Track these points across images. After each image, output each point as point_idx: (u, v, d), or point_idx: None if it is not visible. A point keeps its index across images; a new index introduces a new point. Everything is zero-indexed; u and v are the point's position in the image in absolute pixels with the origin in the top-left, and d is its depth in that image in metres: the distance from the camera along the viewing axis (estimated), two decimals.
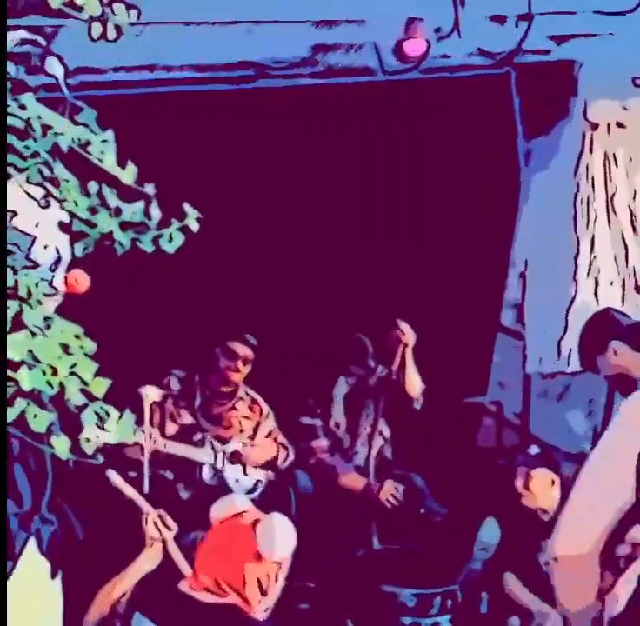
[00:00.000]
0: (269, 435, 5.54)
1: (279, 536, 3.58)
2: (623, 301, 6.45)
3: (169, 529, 3.63)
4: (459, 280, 6.57)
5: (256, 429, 5.47)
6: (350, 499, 5.66)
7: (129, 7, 2.47)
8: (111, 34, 2.49)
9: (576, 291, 6.40)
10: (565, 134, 6.33)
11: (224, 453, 5.29)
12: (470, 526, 5.65)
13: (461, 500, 5.81)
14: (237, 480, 5.32)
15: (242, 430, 5.42)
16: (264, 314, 6.05)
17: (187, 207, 2.16)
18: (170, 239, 2.08)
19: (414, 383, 5.81)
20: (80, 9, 2.36)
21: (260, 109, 5.46)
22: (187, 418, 5.25)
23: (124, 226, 2.03)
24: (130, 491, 3.69)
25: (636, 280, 6.41)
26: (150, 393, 4.72)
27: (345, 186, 6.25)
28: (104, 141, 1.99)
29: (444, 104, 6.05)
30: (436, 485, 5.89)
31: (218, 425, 5.37)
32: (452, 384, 6.37)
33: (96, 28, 2.46)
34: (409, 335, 5.71)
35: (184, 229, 2.12)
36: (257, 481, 5.40)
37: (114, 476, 3.64)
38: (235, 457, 5.33)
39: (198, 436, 5.28)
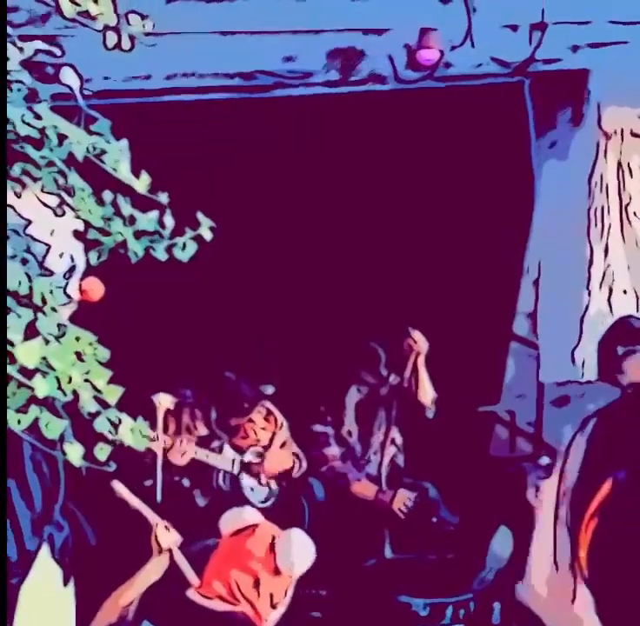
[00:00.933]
0: (283, 445, 5.55)
1: (299, 552, 3.60)
2: (637, 309, 6.45)
3: (172, 539, 3.64)
4: (472, 288, 6.56)
5: (271, 439, 5.48)
6: (363, 507, 5.65)
7: (143, 17, 2.49)
8: (126, 44, 2.50)
9: (589, 300, 6.40)
10: (579, 143, 6.33)
11: (242, 461, 5.30)
12: (482, 535, 5.63)
13: (473, 509, 5.79)
14: (253, 489, 5.33)
15: (258, 441, 5.43)
16: (277, 322, 6.06)
17: (200, 216, 2.17)
18: (184, 248, 2.09)
19: (426, 392, 5.81)
20: (94, 18, 2.38)
21: (275, 117, 5.48)
22: (203, 430, 5.27)
23: (138, 235, 2.04)
24: (135, 502, 3.70)
25: None
26: (163, 400, 4.73)
27: (359, 195, 6.27)
28: (119, 150, 2.00)
29: (458, 113, 6.06)
30: (449, 494, 5.88)
31: (235, 435, 5.39)
32: (465, 393, 6.37)
33: (111, 38, 2.49)
34: (421, 343, 5.71)
35: (198, 238, 2.13)
36: (271, 490, 5.40)
37: (119, 487, 3.65)
38: (251, 467, 5.35)
39: (216, 444, 5.31)
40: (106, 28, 2.45)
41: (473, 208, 6.48)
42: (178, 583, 3.57)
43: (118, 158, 2.01)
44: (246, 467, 5.33)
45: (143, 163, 2.17)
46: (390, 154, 6.18)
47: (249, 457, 5.37)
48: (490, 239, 6.50)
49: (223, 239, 2.27)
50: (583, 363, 6.34)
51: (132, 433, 2.15)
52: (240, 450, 5.36)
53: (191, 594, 3.50)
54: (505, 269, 6.59)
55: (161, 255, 2.07)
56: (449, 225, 6.47)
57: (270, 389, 5.48)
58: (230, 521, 3.63)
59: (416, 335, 5.71)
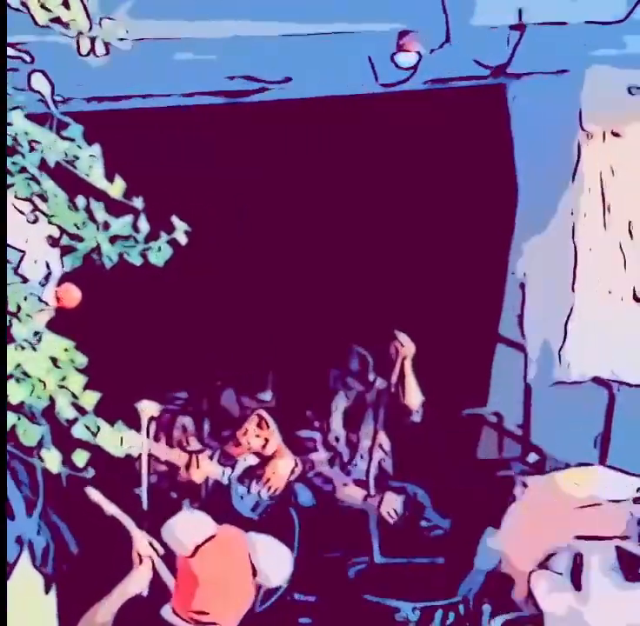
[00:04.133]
0: (276, 450, 5.53)
1: (278, 564, 3.58)
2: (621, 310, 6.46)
3: (156, 551, 3.61)
4: (458, 291, 6.57)
5: (264, 446, 5.46)
6: (351, 512, 5.64)
7: (117, 23, 2.48)
8: (100, 50, 2.50)
9: (574, 301, 6.40)
10: (561, 144, 6.34)
11: (232, 469, 5.28)
12: (471, 539, 5.63)
13: (462, 512, 5.79)
14: (242, 497, 5.31)
15: (249, 448, 5.41)
16: (261, 327, 6.04)
17: (175, 220, 2.16)
18: (159, 252, 2.08)
19: (413, 395, 5.79)
20: (67, 25, 2.37)
21: (252, 122, 5.47)
22: (195, 445, 5.24)
23: (112, 240, 2.03)
24: (112, 509, 3.67)
25: (634, 289, 6.41)
26: (147, 408, 4.70)
27: (339, 198, 6.25)
28: (91, 155, 2.00)
29: (440, 115, 6.06)
30: (437, 497, 5.87)
31: (227, 444, 5.38)
32: (452, 396, 6.36)
33: (85, 44, 2.48)
34: (408, 346, 5.69)
35: (173, 242, 2.12)
36: (261, 498, 5.38)
37: (94, 494, 3.62)
38: (243, 476, 5.33)
39: (208, 452, 5.29)
40: (79, 34, 2.44)
41: (457, 211, 6.48)
42: (153, 602, 3.54)
43: (91, 164, 2.00)
44: (239, 475, 5.31)
45: (117, 167, 2.16)
46: (371, 157, 6.18)
47: (242, 465, 5.34)
48: (475, 242, 6.51)
49: (200, 243, 2.26)
50: (570, 364, 6.35)
51: (111, 439, 2.13)
52: (232, 458, 5.34)
53: (165, 613, 3.46)
54: (491, 272, 6.60)
55: (135, 259, 2.06)
56: (433, 228, 6.48)
57: (267, 396, 5.44)
58: (184, 533, 3.57)
59: (403, 338, 5.69)
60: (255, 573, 3.52)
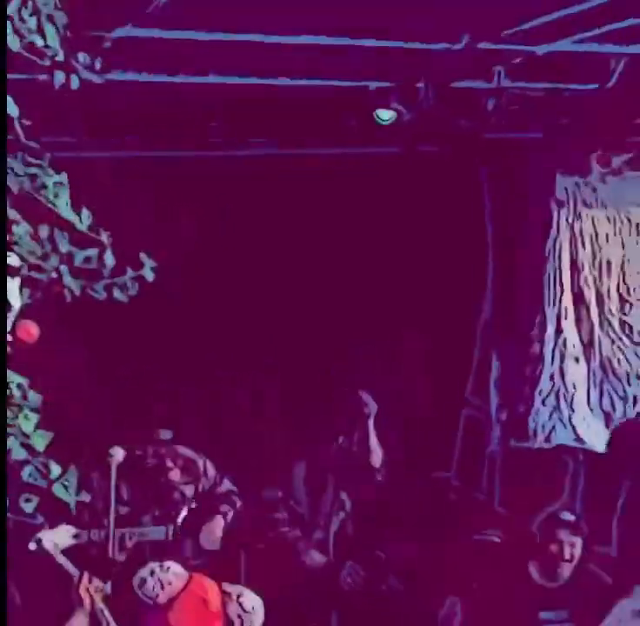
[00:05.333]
0: (213, 486, 5.43)
1: (253, 614, 3.52)
2: (588, 377, 6.45)
3: (97, 590, 3.52)
4: (426, 355, 6.53)
5: (196, 489, 5.37)
6: (310, 577, 5.53)
7: (93, 55, 2.44)
8: (75, 84, 2.45)
9: (542, 366, 6.39)
10: (533, 211, 6.39)
11: (175, 526, 5.17)
12: (431, 605, 5.51)
13: (423, 577, 5.68)
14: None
15: (184, 499, 5.32)
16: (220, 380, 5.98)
17: (143, 256, 2.10)
18: (124, 288, 2.01)
19: (375, 454, 5.73)
20: (42, 54, 2.32)
21: (228, 171, 5.43)
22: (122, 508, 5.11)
23: (75, 272, 1.96)
24: (60, 558, 3.60)
25: (601, 356, 6.42)
26: (117, 454, 4.59)
27: (307, 240, 6.16)
28: (58, 183, 1.93)
29: (413, 178, 6.09)
30: (399, 561, 5.77)
31: (160, 503, 5.28)
32: (418, 459, 6.30)
33: (59, 77, 2.43)
34: (370, 405, 5.65)
35: (139, 279, 2.05)
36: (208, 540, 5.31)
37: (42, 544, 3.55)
38: (187, 530, 5.24)
39: (147, 518, 5.20)
40: (54, 65, 2.40)
41: (428, 275, 6.47)
42: None
43: (58, 192, 1.93)
44: (179, 532, 5.21)
45: (84, 200, 2.10)
46: (335, 207, 6.13)
47: (180, 520, 5.25)
48: (445, 306, 6.48)
49: (166, 281, 2.19)
50: (536, 430, 6.32)
51: (60, 485, 2.03)
52: (171, 516, 5.26)
53: None
54: (459, 337, 6.58)
55: (99, 294, 1.99)
56: (403, 288, 6.45)
57: (168, 434, 5.31)
58: (157, 585, 3.49)
59: (365, 397, 5.66)
60: (229, 622, 3.47)
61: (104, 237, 2.05)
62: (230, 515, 5.42)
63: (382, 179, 6.03)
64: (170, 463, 5.34)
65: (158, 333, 5.87)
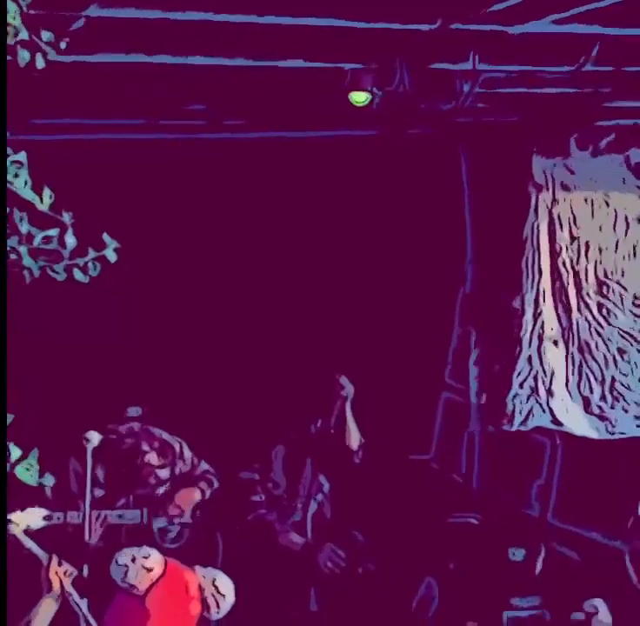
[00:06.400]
0: (190, 469, 5.42)
1: (227, 596, 3.54)
2: (566, 360, 6.47)
3: (67, 574, 3.51)
4: (405, 337, 6.52)
5: (173, 472, 5.36)
6: (288, 558, 5.54)
7: (58, 34, 2.40)
8: (40, 63, 2.42)
9: (520, 349, 6.40)
10: (512, 195, 6.38)
11: (149, 507, 5.17)
12: (408, 586, 5.54)
13: (400, 559, 5.70)
14: (162, 530, 5.21)
15: (158, 481, 5.31)
16: (196, 365, 5.96)
17: (106, 237, 2.08)
18: (85, 269, 1.99)
19: (353, 436, 5.74)
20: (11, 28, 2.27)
21: (199, 153, 5.38)
22: (98, 491, 5.09)
23: (34, 253, 1.94)
24: (28, 542, 3.58)
25: (579, 339, 6.43)
26: (93, 438, 4.57)
27: (279, 223, 6.10)
28: (17, 162, 1.90)
29: (391, 161, 6.06)
30: (376, 543, 5.78)
31: (135, 486, 5.26)
32: (396, 441, 6.30)
33: (23, 55, 2.39)
34: (347, 388, 5.65)
35: (101, 259, 2.04)
36: (182, 529, 5.29)
37: (13, 528, 3.54)
38: (160, 508, 5.23)
39: (122, 501, 5.19)
40: (18, 43, 2.36)
41: (407, 255, 6.46)
42: None
43: (17, 172, 1.91)
44: (155, 509, 5.21)
45: (46, 180, 2.08)
46: (315, 199, 6.09)
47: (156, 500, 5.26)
48: (425, 287, 6.47)
49: (133, 261, 2.17)
50: (513, 412, 6.34)
51: (22, 468, 2.02)
52: (147, 499, 5.25)
53: None
54: (438, 319, 6.58)
55: (59, 275, 1.97)
56: (382, 269, 6.44)
57: (136, 411, 5.30)
58: (136, 573, 3.48)
59: (343, 380, 5.65)
60: (205, 607, 3.48)
61: (67, 218, 2.03)
62: (208, 492, 5.42)
63: (358, 162, 6.01)
64: (145, 446, 5.34)
65: (132, 315, 5.84)
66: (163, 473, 5.33)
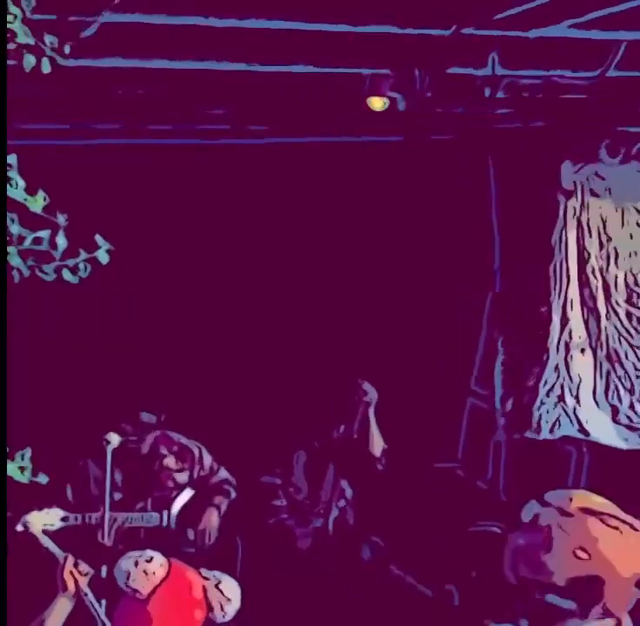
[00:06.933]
0: (209, 474, 5.43)
1: (231, 599, 3.54)
2: (594, 369, 6.40)
3: (83, 574, 3.52)
4: (430, 343, 6.49)
5: (191, 476, 5.37)
6: (309, 564, 5.54)
7: (61, 38, 2.42)
8: (46, 68, 2.44)
9: (547, 357, 6.35)
10: (540, 201, 6.34)
11: (168, 513, 5.19)
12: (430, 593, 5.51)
13: (423, 565, 5.68)
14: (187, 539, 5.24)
15: (176, 485, 5.32)
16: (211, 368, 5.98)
17: (99, 238, 2.10)
18: (75, 269, 2.01)
19: (376, 443, 5.72)
20: (12, 34, 2.29)
21: (210, 159, 5.39)
22: (116, 495, 5.11)
23: (24, 254, 1.96)
24: (45, 541, 3.61)
25: (607, 347, 6.37)
26: (113, 439, 4.61)
27: (303, 238, 6.11)
28: (7, 164, 1.93)
29: (418, 166, 6.05)
30: (398, 550, 5.76)
31: (153, 489, 5.28)
32: (421, 448, 6.28)
33: (29, 60, 2.42)
34: (371, 393, 5.64)
35: (91, 261, 2.05)
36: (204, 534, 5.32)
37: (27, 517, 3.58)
38: (181, 519, 5.25)
39: (140, 504, 5.22)
40: (22, 47, 2.38)
41: (432, 261, 6.43)
42: None
43: (14, 175, 1.93)
44: (177, 515, 5.23)
45: (42, 182, 2.10)
46: (341, 206, 6.08)
47: (178, 504, 5.26)
48: (451, 296, 6.45)
49: (125, 264, 2.19)
50: (540, 420, 6.28)
51: (15, 467, 2.04)
52: (166, 501, 5.27)
53: None
54: (465, 325, 6.55)
55: (49, 276, 1.99)
56: (410, 279, 6.42)
57: (153, 418, 5.32)
58: (139, 576, 3.50)
59: (366, 386, 5.64)
60: (209, 609, 3.49)
61: (61, 220, 2.05)
62: (224, 506, 5.42)
63: (385, 168, 6.00)
64: (164, 450, 5.36)
65: (150, 318, 5.87)
66: (182, 477, 5.35)
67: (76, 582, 3.50)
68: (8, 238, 1.94)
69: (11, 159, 1.95)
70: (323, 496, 5.75)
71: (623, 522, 2.14)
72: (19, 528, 3.74)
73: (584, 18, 3.86)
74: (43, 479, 2.19)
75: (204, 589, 3.49)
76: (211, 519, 5.33)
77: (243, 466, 5.57)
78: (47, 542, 3.68)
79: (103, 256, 2.06)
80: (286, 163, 5.50)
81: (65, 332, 5.57)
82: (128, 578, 3.48)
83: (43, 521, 3.82)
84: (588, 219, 6.37)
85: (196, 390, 5.78)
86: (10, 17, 2.18)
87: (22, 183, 1.99)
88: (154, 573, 3.48)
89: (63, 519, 4.03)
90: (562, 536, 2.18)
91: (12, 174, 1.94)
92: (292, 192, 5.77)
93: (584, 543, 2.08)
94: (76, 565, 3.53)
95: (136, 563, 3.51)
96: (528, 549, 2.22)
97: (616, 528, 2.05)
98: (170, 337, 5.92)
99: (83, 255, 2.03)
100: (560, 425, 6.34)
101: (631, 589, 2.06)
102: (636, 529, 2.08)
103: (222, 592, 3.51)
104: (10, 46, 2.37)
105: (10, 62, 2.41)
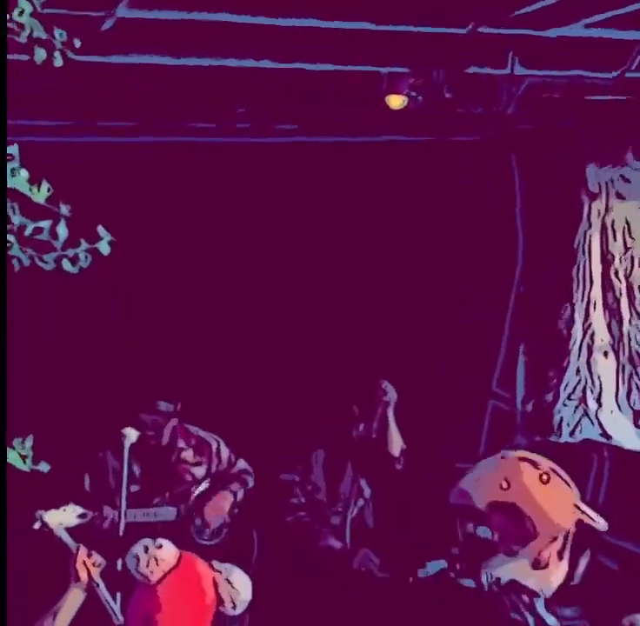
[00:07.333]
0: (227, 467, 5.44)
1: (242, 592, 3.56)
2: (617, 372, 6.36)
3: (95, 565, 3.55)
4: (452, 344, 6.49)
5: (209, 470, 5.39)
6: (325, 561, 5.54)
7: (70, 33, 2.45)
8: (58, 62, 2.47)
9: (569, 359, 6.32)
10: (565, 203, 6.31)
11: (185, 506, 5.22)
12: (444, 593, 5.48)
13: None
14: (199, 530, 5.25)
15: (194, 479, 5.34)
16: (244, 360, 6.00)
17: (101, 230, 2.13)
18: (76, 260, 2.04)
19: (394, 442, 5.72)
20: (21, 27, 2.32)
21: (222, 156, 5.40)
22: (133, 487, 5.13)
23: (24, 242, 1.99)
24: (60, 533, 3.65)
25: (630, 350, 6.32)
26: (130, 434, 4.65)
27: (299, 228, 6.07)
28: (8, 155, 1.96)
29: (440, 167, 6.04)
30: (417, 548, 5.75)
31: (170, 484, 5.30)
32: (441, 448, 6.27)
33: (40, 53, 2.45)
34: (390, 393, 5.64)
35: (93, 251, 2.08)
36: (220, 526, 5.34)
37: (44, 515, 3.61)
38: (196, 511, 5.27)
39: (157, 499, 5.24)
40: (33, 41, 2.42)
41: (455, 263, 6.43)
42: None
43: (15, 166, 1.96)
44: (192, 510, 5.25)
45: (46, 173, 2.13)
46: (363, 205, 6.08)
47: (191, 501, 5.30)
48: (474, 297, 6.44)
49: (127, 255, 2.21)
50: (560, 423, 6.25)
51: (16, 454, 2.07)
52: (182, 497, 5.29)
53: None
54: (486, 328, 6.53)
55: (48, 265, 2.02)
56: (429, 276, 6.41)
57: (169, 406, 5.31)
58: (149, 562, 3.53)
59: (386, 385, 5.64)
60: (219, 601, 3.52)
61: (64, 210, 2.08)
62: (240, 493, 5.44)
63: (408, 167, 6.00)
64: (182, 443, 5.38)
65: (170, 311, 5.89)
66: (199, 471, 5.37)
67: (88, 572, 3.54)
68: (8, 227, 1.97)
69: (13, 150, 1.98)
70: (341, 494, 5.76)
71: (557, 474, 2.24)
72: (36, 526, 3.76)
73: (600, 17, 3.84)
74: (44, 467, 2.21)
75: (214, 582, 3.52)
76: (224, 502, 5.32)
77: (262, 463, 5.59)
78: (61, 533, 3.72)
79: (104, 247, 2.09)
80: (304, 161, 5.51)
81: (69, 322, 5.59)
82: (137, 563, 3.52)
83: (60, 519, 3.85)
84: (612, 221, 6.33)
85: (215, 389, 5.80)
86: (18, 10, 2.21)
87: (25, 174, 2.02)
88: (163, 559, 3.50)
89: (81, 516, 4.05)
90: (490, 471, 2.38)
91: (14, 164, 1.98)
92: (311, 190, 5.78)
93: (508, 476, 2.25)
94: (88, 556, 3.56)
95: (146, 549, 3.55)
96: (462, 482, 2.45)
97: (546, 473, 2.15)
98: (188, 334, 5.95)
99: (85, 245, 2.06)
100: (581, 428, 6.30)
101: (560, 539, 2.12)
102: (568, 485, 2.17)
103: (232, 585, 3.54)
104: (21, 39, 2.41)
105: (20, 56, 2.44)
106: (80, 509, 4.04)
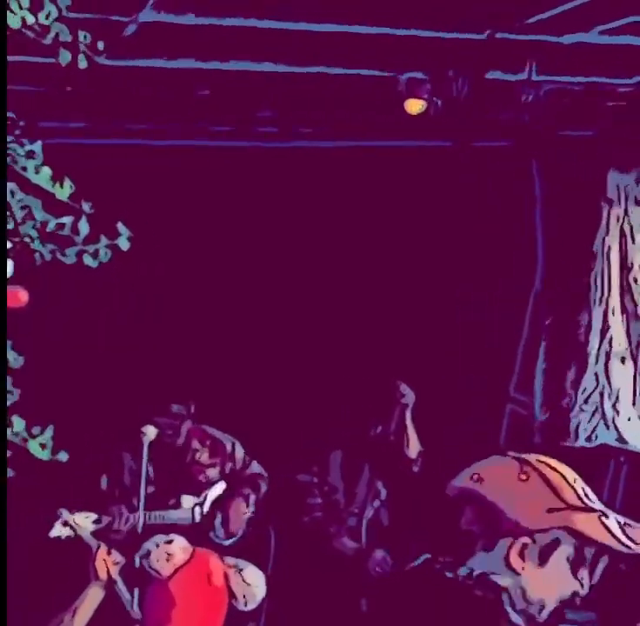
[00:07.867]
0: (241, 468, 5.47)
1: (255, 588, 3.59)
2: (634, 378, 6.36)
3: (115, 563, 3.60)
4: (472, 348, 6.51)
5: (222, 471, 5.41)
6: (341, 561, 5.57)
7: (94, 35, 2.52)
8: (82, 63, 2.54)
9: (586, 365, 6.33)
10: (583, 209, 6.33)
11: (201, 506, 5.25)
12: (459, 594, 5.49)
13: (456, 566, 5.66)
14: (217, 531, 5.28)
15: (208, 481, 5.37)
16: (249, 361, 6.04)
17: (120, 226, 2.19)
18: (96, 255, 2.10)
19: (412, 445, 5.74)
20: (47, 29, 2.39)
21: (241, 161, 5.45)
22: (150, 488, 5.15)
23: (46, 237, 2.06)
24: (80, 530, 3.70)
25: None
26: (150, 432, 4.67)
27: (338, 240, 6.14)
28: (30, 151, 2.03)
29: (460, 173, 6.07)
30: (431, 552, 5.76)
31: (185, 485, 5.33)
32: (459, 453, 6.27)
33: (65, 55, 2.52)
34: (408, 395, 5.66)
35: (113, 247, 2.14)
36: (228, 524, 5.36)
37: (65, 514, 3.67)
38: (213, 514, 5.31)
39: (172, 501, 5.29)
40: (59, 44, 2.48)
41: (474, 267, 6.45)
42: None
43: (30, 162, 2.03)
44: (210, 508, 5.28)
45: (66, 169, 2.19)
46: (380, 210, 6.12)
47: (211, 496, 5.31)
48: (492, 301, 6.46)
49: (145, 252, 2.27)
50: (578, 428, 6.26)
51: (34, 442, 2.13)
52: (197, 497, 5.32)
53: None
54: (505, 332, 6.55)
55: (70, 259, 2.08)
56: (449, 281, 6.44)
57: (182, 408, 5.33)
58: (162, 557, 3.58)
59: (403, 387, 5.67)
60: (232, 597, 3.55)
61: (86, 207, 2.14)
62: (252, 498, 5.46)
63: (428, 173, 6.04)
64: (197, 444, 5.41)
65: (188, 309, 5.93)
66: (213, 473, 5.39)
67: (107, 570, 3.58)
68: (32, 223, 2.03)
69: (36, 147, 2.05)
70: (358, 495, 5.78)
71: (559, 475, 2.24)
72: (60, 524, 3.80)
73: (616, 23, 3.86)
74: (63, 456, 2.27)
75: (226, 577, 3.55)
76: (237, 509, 5.36)
77: (279, 464, 5.62)
78: (80, 530, 3.77)
79: (123, 243, 2.15)
80: (323, 166, 5.56)
81: (86, 318, 5.64)
82: (147, 557, 3.56)
83: (84, 523, 3.90)
84: (631, 227, 6.34)
85: (233, 390, 5.83)
86: (44, 13, 2.28)
87: (48, 171, 2.08)
88: (173, 555, 3.54)
89: (96, 522, 4.09)
90: (480, 465, 2.38)
91: (37, 161, 2.04)
92: (330, 195, 5.82)
93: (484, 469, 2.25)
94: (108, 554, 3.61)
95: (157, 544, 3.60)
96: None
97: (526, 472, 2.15)
98: (205, 333, 6.00)
99: (105, 241, 2.12)
100: (598, 433, 6.31)
101: (539, 541, 2.14)
102: (557, 490, 2.17)
103: (244, 580, 3.57)
104: (46, 41, 2.48)
105: (46, 59, 2.51)
106: (94, 515, 4.07)
